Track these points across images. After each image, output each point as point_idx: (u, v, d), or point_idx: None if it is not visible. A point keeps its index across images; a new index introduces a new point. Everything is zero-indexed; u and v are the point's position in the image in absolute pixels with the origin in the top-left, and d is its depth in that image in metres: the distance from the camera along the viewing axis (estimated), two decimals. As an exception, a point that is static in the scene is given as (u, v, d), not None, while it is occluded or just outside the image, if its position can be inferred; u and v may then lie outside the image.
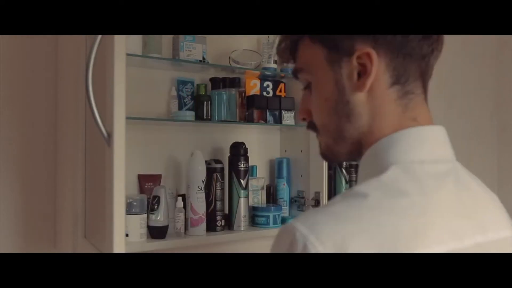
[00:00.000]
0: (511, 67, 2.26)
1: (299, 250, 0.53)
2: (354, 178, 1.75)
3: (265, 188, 1.72)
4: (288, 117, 1.70)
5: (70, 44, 1.33)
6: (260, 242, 1.53)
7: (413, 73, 0.63)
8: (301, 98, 0.72)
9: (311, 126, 0.71)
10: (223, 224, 1.53)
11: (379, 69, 0.62)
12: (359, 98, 0.63)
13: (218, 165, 1.54)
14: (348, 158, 0.68)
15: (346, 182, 1.75)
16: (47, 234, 1.44)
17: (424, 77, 0.64)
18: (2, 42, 1.38)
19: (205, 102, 1.57)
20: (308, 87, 0.70)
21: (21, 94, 1.41)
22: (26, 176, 1.41)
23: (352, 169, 1.75)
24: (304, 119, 0.72)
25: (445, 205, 0.58)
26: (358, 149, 0.66)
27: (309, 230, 0.53)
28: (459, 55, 2.18)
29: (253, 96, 1.66)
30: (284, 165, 1.73)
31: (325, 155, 0.71)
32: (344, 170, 1.74)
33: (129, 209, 1.35)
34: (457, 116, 2.20)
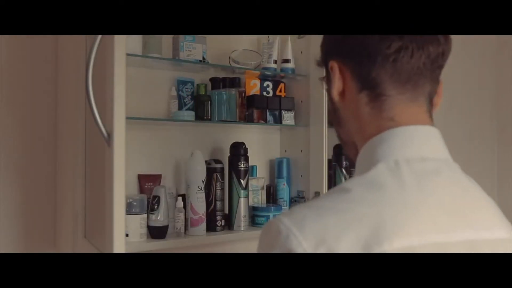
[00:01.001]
0: (511, 67, 2.26)
1: (282, 239, 0.56)
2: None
3: (265, 188, 1.72)
4: (288, 117, 1.70)
5: (70, 44, 1.33)
6: (260, 242, 1.53)
7: (381, 76, 0.64)
8: None
9: None
10: (223, 224, 1.53)
11: (347, 77, 0.67)
12: (340, 105, 0.70)
13: (218, 165, 1.54)
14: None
15: (346, 181, 1.74)
16: (47, 234, 1.44)
17: (396, 77, 0.64)
18: (2, 42, 1.38)
19: (205, 102, 1.57)
20: None
21: (21, 94, 1.41)
22: (26, 176, 1.41)
23: (352, 169, 1.74)
24: None
25: (431, 201, 0.59)
26: (357, 151, 0.69)
27: (292, 222, 0.57)
28: (459, 55, 2.17)
29: (253, 96, 1.66)
30: (284, 165, 1.73)
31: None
32: (344, 170, 1.74)
33: (129, 209, 1.35)
34: (457, 116, 2.20)
